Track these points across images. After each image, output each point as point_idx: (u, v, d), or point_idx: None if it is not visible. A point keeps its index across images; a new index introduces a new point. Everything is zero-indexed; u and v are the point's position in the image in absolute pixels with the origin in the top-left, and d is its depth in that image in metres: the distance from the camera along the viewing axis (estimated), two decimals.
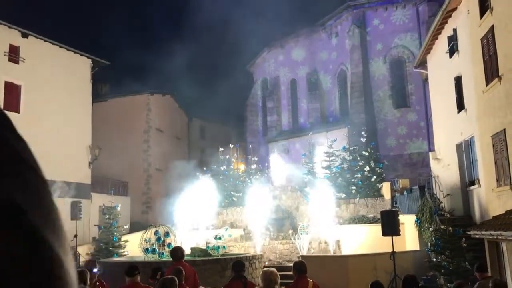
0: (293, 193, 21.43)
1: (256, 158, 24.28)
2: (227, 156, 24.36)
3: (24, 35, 21.60)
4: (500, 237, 9.13)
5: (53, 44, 22.87)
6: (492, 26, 12.35)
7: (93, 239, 20.45)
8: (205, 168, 23.09)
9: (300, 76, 34.24)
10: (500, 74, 11.91)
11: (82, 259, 17.97)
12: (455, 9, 15.44)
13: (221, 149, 24.23)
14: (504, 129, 11.76)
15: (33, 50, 21.91)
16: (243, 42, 35.20)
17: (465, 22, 14.62)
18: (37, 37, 22.08)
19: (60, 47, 23.28)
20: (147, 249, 15.27)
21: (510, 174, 11.49)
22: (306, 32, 33.70)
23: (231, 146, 24.72)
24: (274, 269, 5.66)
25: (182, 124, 36.30)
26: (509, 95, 11.41)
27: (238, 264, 6.40)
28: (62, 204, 19.79)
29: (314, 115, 32.62)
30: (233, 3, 53.90)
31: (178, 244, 15.98)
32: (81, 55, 24.40)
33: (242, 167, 26.70)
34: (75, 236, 17.63)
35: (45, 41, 22.47)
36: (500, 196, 12.24)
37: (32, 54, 21.81)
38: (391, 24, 29.18)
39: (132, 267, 7.27)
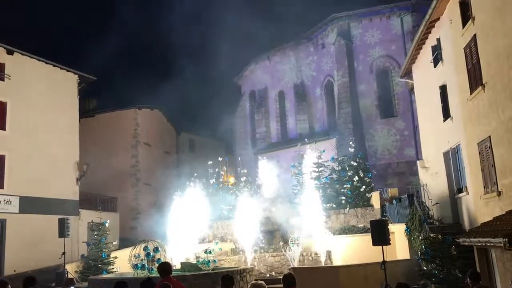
0: (283, 205, 21.36)
1: (245, 171, 24.21)
2: (216, 169, 24.27)
3: (9, 52, 21.47)
4: (488, 244, 9.17)
5: (39, 60, 22.74)
6: (475, 35, 12.54)
7: (82, 256, 20.18)
8: (194, 182, 22.95)
9: (288, 87, 34.41)
10: (483, 82, 12.07)
11: (70, 276, 17.71)
12: (438, 19, 15.67)
13: (210, 162, 24.14)
14: (489, 136, 11.88)
15: (18, 67, 21.78)
16: (230, 55, 35.34)
17: (448, 32, 14.83)
18: (22, 54, 21.95)
19: (46, 63, 23.16)
20: (137, 265, 15.12)
21: (496, 181, 11.58)
22: (293, 44, 33.96)
23: (220, 159, 24.65)
24: (262, 282, 5.64)
25: (171, 138, 36.18)
26: (493, 103, 11.55)
27: (227, 279, 6.32)
28: (50, 222, 19.56)
29: (303, 126, 32.74)
30: (219, 17, 54.27)
31: (168, 259, 15.88)
32: (68, 71, 24.27)
33: (231, 180, 26.60)
34: (63, 253, 17.40)
35: (30, 57, 22.35)
36: (487, 203, 12.33)
37: (17, 71, 21.67)
38: (376, 35, 29.51)
39: (120, 283, 7.18)
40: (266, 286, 5.63)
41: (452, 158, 15.89)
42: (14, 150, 21.00)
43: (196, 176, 23.40)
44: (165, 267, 7.73)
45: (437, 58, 16.16)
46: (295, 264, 17.47)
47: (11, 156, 20.89)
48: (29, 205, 21.03)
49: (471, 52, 12.89)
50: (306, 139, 26.93)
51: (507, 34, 10.55)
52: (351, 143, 22.97)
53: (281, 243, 19.31)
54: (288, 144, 31.47)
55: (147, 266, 14.99)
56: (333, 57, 30.53)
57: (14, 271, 19.41)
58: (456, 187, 15.78)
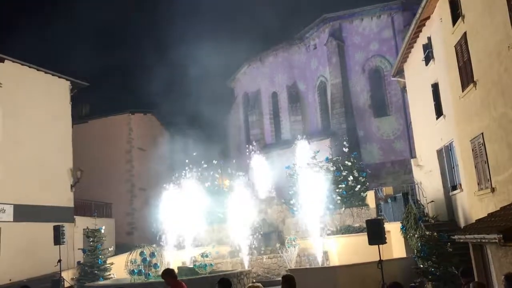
0: (279, 206, 21.40)
1: (240, 173, 24.20)
2: (211, 172, 24.23)
3: (1, 60, 21.35)
4: (483, 240, 9.20)
5: (30, 67, 22.61)
6: (465, 33, 12.60)
7: (78, 263, 20.06)
8: (189, 186, 22.89)
9: (281, 89, 34.44)
10: (475, 80, 12.13)
11: (67, 284, 17.63)
12: (428, 17, 15.74)
13: (204, 166, 24.10)
14: (482, 133, 11.94)
15: (10, 75, 21.65)
16: (223, 58, 35.22)
17: (439, 30, 14.90)
18: (13, 61, 21.82)
19: (38, 70, 23.04)
20: (133, 270, 15.07)
21: (490, 177, 11.63)
22: (285, 45, 34.01)
23: (214, 162, 24.62)
24: (259, 284, 5.64)
25: (165, 142, 36.05)
26: (485, 99, 11.62)
27: (225, 282, 6.29)
28: (45, 229, 19.45)
29: (296, 128, 32.74)
30: (210, 19, 54.23)
31: (165, 264, 15.86)
32: (60, 77, 24.14)
33: (226, 182, 26.57)
34: (59, 261, 17.28)
35: (22, 64, 22.22)
36: (482, 200, 12.38)
37: (9, 78, 21.54)
38: (367, 35, 29.63)
39: None
40: None
41: (446, 155, 15.95)
42: (7, 158, 20.87)
43: (191, 179, 23.31)
44: (172, 271, 7.77)
45: (428, 57, 16.22)
46: (292, 266, 17.48)
47: (4, 164, 20.75)
48: (23, 213, 20.90)
49: (462, 50, 12.95)
50: (300, 140, 26.95)
51: (497, 31, 10.61)
52: (345, 143, 23.01)
53: (277, 245, 19.32)
54: (283, 145, 31.48)
55: (143, 271, 14.93)
56: (325, 58, 30.60)
57: (10, 280, 19.27)
58: (450, 184, 15.84)
